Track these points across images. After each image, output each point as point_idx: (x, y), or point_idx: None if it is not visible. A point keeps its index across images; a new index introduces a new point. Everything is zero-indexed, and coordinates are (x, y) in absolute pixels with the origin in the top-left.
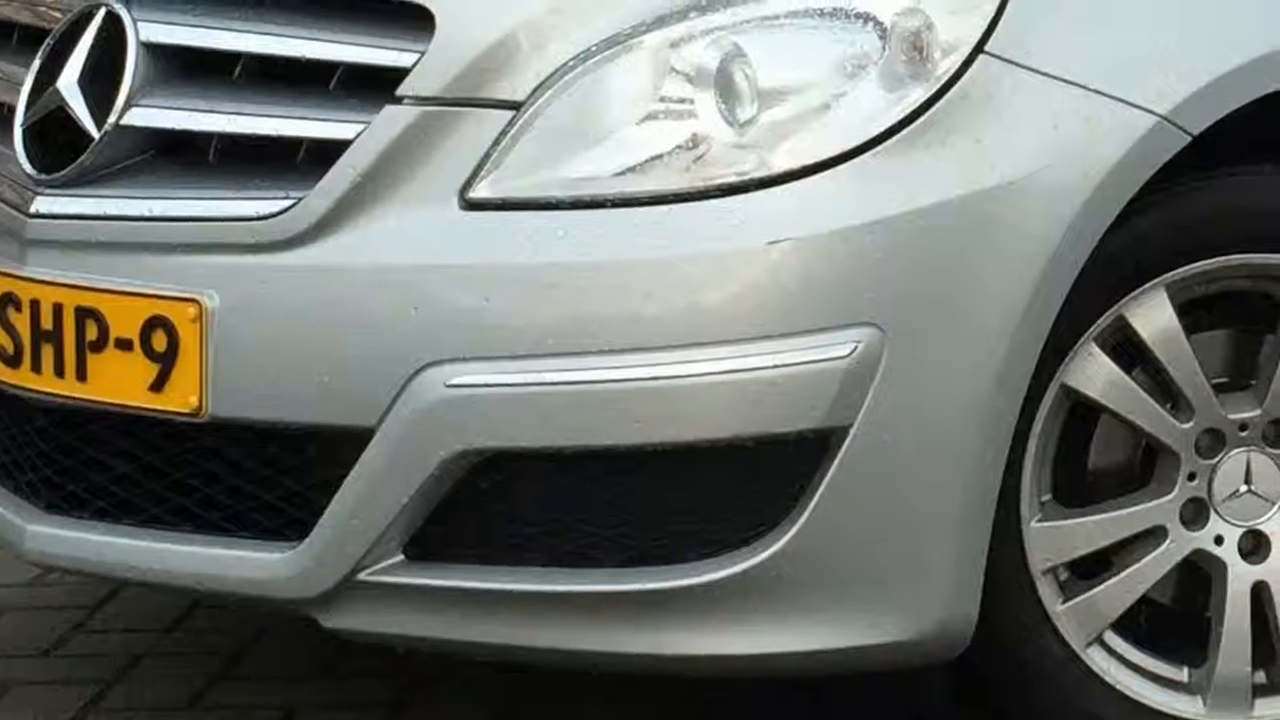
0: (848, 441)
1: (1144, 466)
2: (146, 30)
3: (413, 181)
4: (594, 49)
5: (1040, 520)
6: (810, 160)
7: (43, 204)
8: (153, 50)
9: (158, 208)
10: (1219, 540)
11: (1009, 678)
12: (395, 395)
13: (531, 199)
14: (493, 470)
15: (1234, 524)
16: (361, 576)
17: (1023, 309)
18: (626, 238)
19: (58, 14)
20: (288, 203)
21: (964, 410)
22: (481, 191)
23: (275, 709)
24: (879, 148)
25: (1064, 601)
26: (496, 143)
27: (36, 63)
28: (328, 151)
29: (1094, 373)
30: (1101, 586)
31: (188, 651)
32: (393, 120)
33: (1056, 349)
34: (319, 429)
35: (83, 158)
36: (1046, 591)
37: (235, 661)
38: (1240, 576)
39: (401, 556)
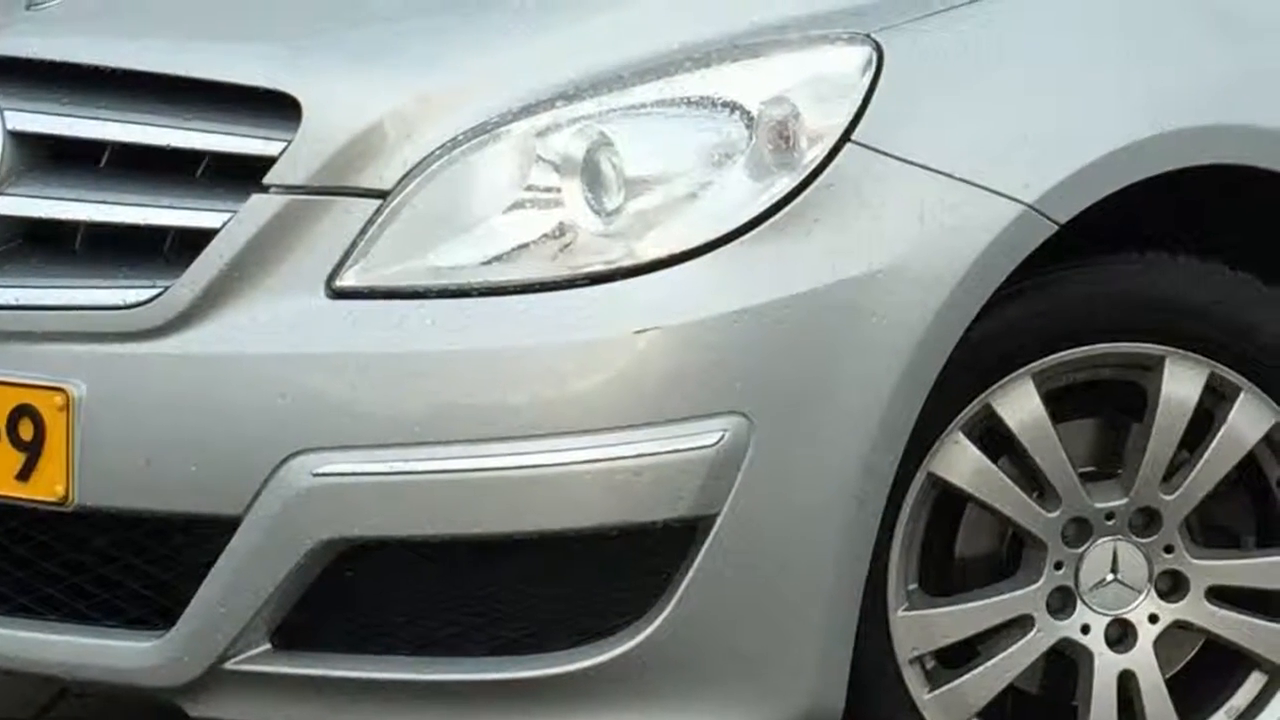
0: (714, 530)
1: (1011, 555)
2: (13, 119)
3: (280, 270)
4: (461, 138)
5: (907, 609)
6: (677, 249)
7: None
8: (19, 139)
9: (24, 296)
10: (1086, 629)
11: None
12: (262, 484)
13: (398, 288)
14: (360, 559)
15: (1101, 613)
16: (228, 665)
17: (889, 397)
18: (493, 327)
19: None
20: (155, 291)
21: (831, 499)
22: (348, 280)
23: None
24: (746, 236)
25: (930, 690)
26: (363, 231)
27: None
28: (195, 240)
29: (961, 461)
30: (968, 675)
31: None
32: (259, 209)
33: (923, 438)
34: (186, 518)
35: None
36: (913, 680)
37: None
38: (1107, 665)
39: (268, 645)
